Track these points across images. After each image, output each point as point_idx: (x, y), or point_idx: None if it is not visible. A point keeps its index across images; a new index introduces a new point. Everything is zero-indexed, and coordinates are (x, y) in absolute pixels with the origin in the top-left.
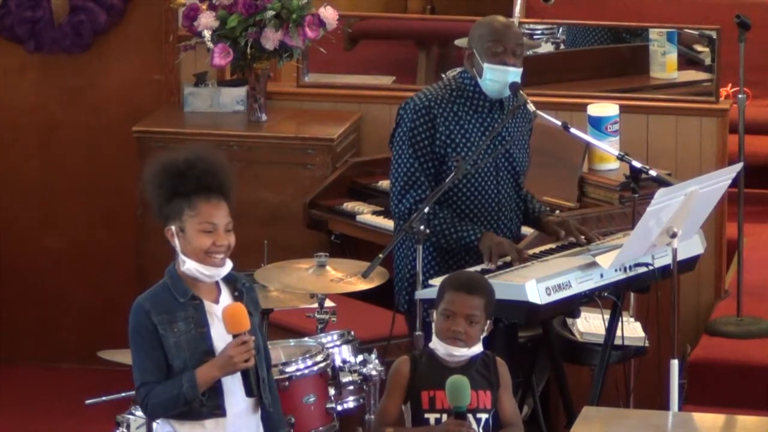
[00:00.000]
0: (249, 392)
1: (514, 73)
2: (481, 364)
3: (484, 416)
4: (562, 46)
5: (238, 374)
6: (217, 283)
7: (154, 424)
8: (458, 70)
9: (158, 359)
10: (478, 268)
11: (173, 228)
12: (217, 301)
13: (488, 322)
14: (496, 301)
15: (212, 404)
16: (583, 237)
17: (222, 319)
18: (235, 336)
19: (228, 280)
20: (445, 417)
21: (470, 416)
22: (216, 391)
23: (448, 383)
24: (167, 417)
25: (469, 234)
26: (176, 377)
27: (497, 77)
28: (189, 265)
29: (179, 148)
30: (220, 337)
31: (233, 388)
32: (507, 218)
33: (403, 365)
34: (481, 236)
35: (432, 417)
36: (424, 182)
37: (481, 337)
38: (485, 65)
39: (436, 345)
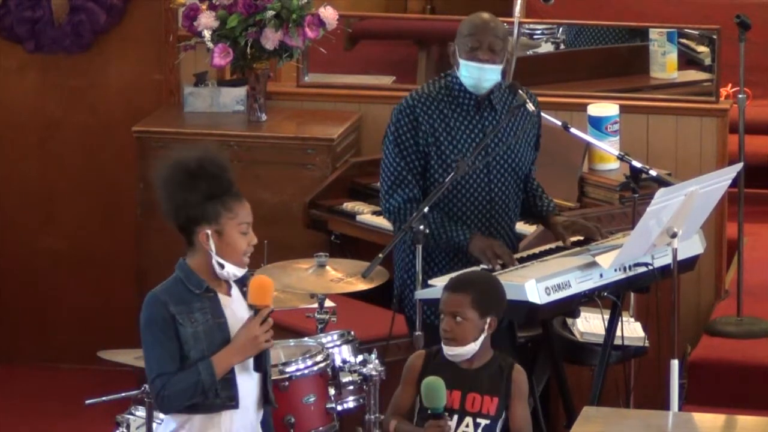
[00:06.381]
0: (259, 367)
1: (491, 70)
2: (496, 369)
3: (484, 422)
4: (562, 46)
5: (247, 362)
6: None
7: (154, 424)
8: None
9: (174, 350)
10: (477, 268)
11: (209, 231)
12: (229, 294)
13: (488, 320)
14: None
15: (226, 395)
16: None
17: (249, 288)
18: (255, 310)
19: None
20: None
21: (470, 419)
22: (230, 382)
23: (423, 384)
24: (179, 410)
25: (458, 236)
26: (191, 367)
27: (471, 73)
28: (228, 269)
29: (183, 149)
30: (238, 328)
31: (243, 381)
32: (499, 219)
33: (416, 360)
34: (471, 238)
35: None
36: (412, 180)
37: (481, 336)
38: (461, 61)
39: (442, 345)
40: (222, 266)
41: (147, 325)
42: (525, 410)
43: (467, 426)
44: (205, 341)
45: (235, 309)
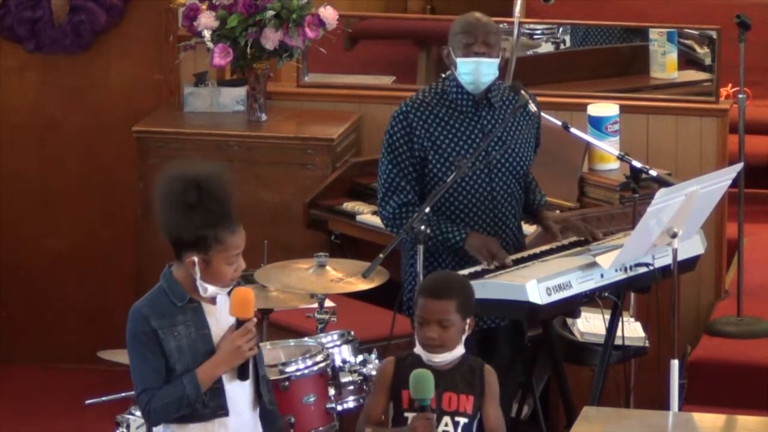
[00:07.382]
0: (244, 375)
1: (488, 64)
2: (467, 368)
3: (463, 420)
4: (562, 46)
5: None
6: None
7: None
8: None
9: (158, 364)
10: (478, 268)
11: (196, 259)
12: (214, 303)
13: (468, 320)
14: (497, 301)
15: (215, 404)
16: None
17: (230, 301)
18: (239, 322)
19: None
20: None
21: (448, 419)
22: (217, 391)
23: (411, 376)
24: (169, 422)
25: (454, 235)
26: (176, 380)
27: (468, 69)
28: (211, 291)
29: (190, 164)
30: (221, 338)
31: (233, 387)
32: (503, 219)
33: (387, 366)
34: (467, 237)
35: (410, 415)
36: (406, 186)
37: (463, 338)
38: (458, 60)
39: (420, 351)
40: (206, 289)
41: (131, 340)
42: (498, 409)
43: (446, 425)
44: (189, 353)
45: (220, 317)
